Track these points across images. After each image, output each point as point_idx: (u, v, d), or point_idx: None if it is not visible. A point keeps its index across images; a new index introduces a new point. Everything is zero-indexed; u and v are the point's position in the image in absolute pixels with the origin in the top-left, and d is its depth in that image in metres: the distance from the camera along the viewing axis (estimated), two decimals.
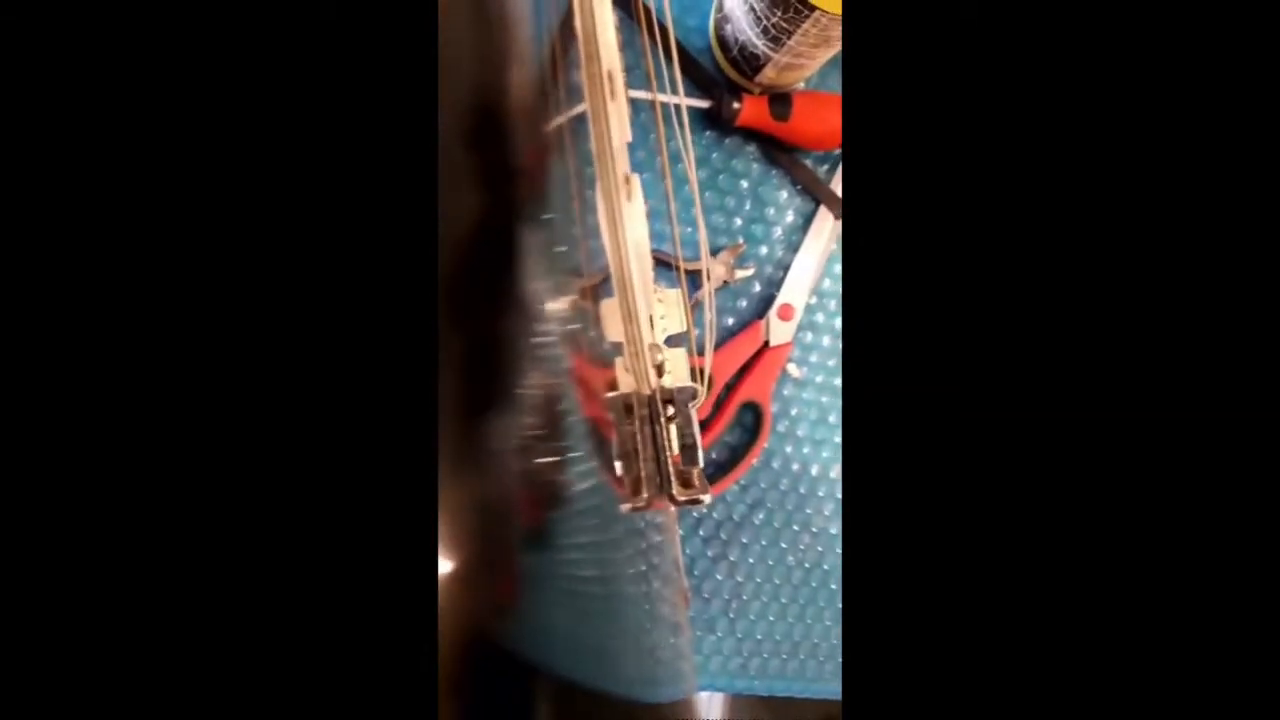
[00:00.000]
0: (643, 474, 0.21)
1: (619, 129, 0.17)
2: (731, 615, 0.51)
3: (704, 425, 0.49)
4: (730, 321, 0.51)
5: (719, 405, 0.49)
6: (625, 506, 0.20)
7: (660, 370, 0.23)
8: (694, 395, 0.22)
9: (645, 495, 0.21)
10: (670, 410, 0.22)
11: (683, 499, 0.21)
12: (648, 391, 0.21)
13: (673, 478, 0.21)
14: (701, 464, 0.22)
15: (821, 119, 0.48)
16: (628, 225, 0.21)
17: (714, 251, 0.50)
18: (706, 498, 0.22)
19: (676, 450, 0.21)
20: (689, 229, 0.50)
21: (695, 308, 0.50)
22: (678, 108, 0.48)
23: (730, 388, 0.50)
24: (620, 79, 0.18)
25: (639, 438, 0.21)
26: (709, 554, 0.50)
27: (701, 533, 0.50)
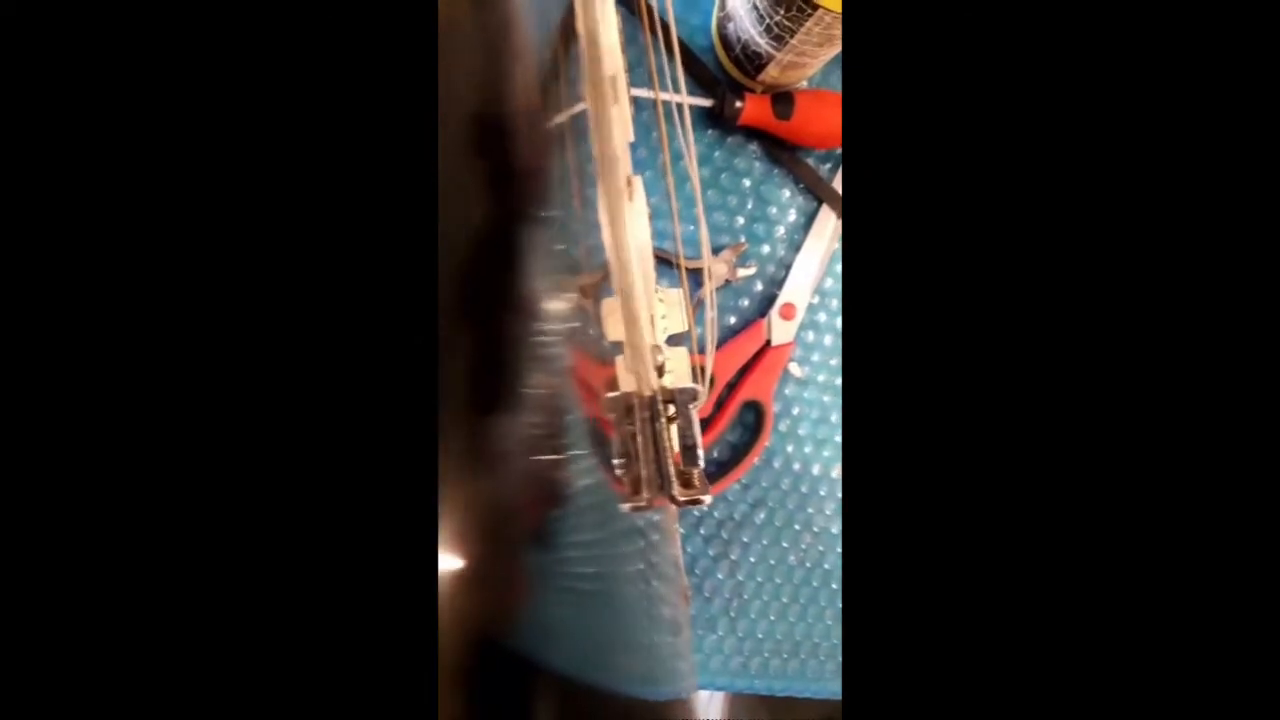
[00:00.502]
0: (643, 474, 0.21)
1: (621, 131, 0.17)
2: (732, 614, 0.51)
3: (705, 424, 0.49)
4: (732, 320, 0.51)
5: (720, 404, 0.49)
6: (626, 506, 0.20)
7: (661, 371, 0.22)
8: (695, 396, 0.22)
9: (646, 496, 0.21)
10: (671, 411, 0.21)
11: (683, 499, 0.21)
12: (648, 393, 0.21)
13: (673, 478, 0.21)
14: (702, 464, 0.22)
15: (824, 117, 0.48)
16: (630, 228, 0.21)
17: (716, 250, 0.50)
18: (707, 498, 0.22)
19: (677, 451, 0.21)
20: (691, 227, 0.50)
21: (698, 306, 0.50)
22: (680, 106, 0.48)
23: (732, 387, 0.50)
24: (624, 81, 0.17)
25: (640, 438, 0.21)
26: (710, 553, 0.50)
27: (703, 532, 0.50)
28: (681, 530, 0.50)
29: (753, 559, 0.51)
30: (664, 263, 0.49)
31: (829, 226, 0.51)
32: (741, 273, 0.50)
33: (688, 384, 0.22)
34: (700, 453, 0.22)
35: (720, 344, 0.50)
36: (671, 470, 0.21)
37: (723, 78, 0.50)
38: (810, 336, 0.51)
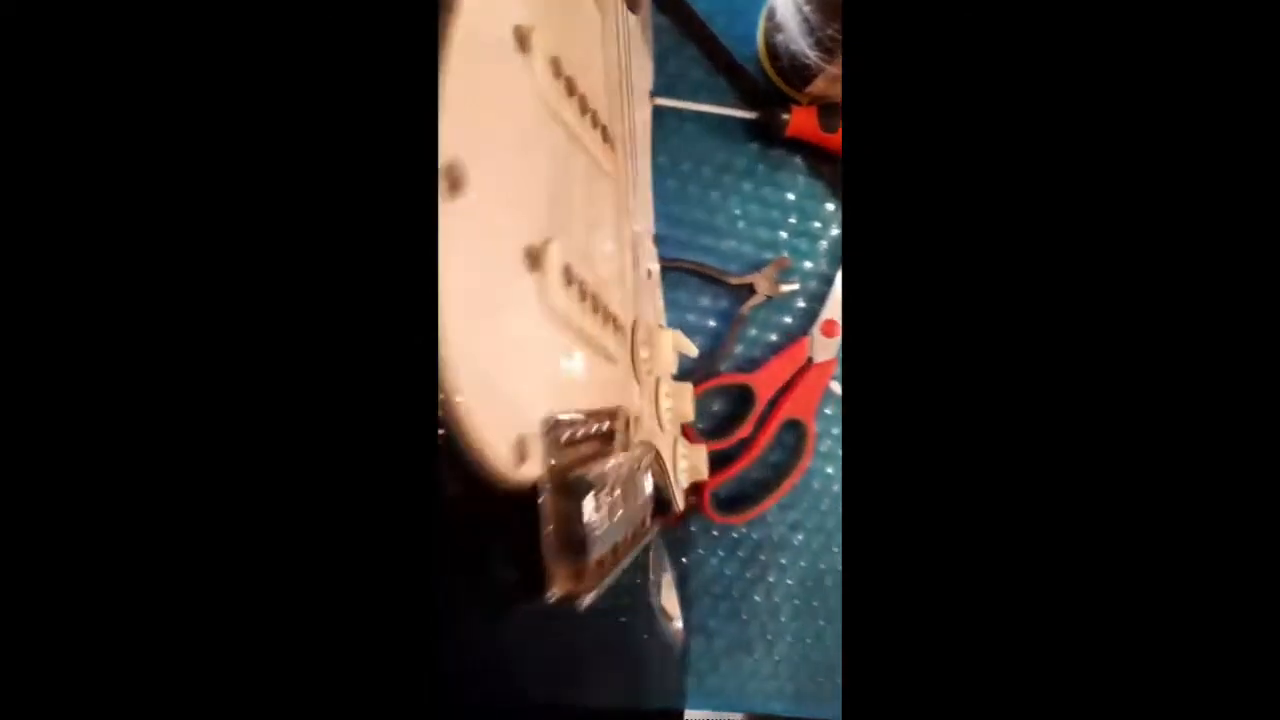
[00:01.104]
0: (525, 570, 0.19)
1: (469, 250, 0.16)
2: (769, 637, 0.50)
3: (746, 443, 0.48)
4: (774, 337, 0.50)
5: (761, 423, 0.48)
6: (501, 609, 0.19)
7: (575, 441, 0.21)
8: (590, 487, 0.20)
9: (518, 594, 0.19)
10: (560, 499, 0.20)
11: (556, 599, 0.19)
12: (529, 480, 0.19)
13: (549, 579, 0.19)
14: (594, 557, 0.20)
15: None
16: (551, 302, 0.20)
17: (758, 266, 0.49)
18: (590, 597, 0.20)
19: (561, 544, 0.20)
20: (734, 242, 0.49)
21: (739, 323, 0.49)
22: (658, 110, 0.47)
23: (773, 405, 0.49)
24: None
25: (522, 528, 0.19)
26: (747, 575, 0.50)
27: (740, 554, 0.50)
28: (720, 553, 0.50)
29: (790, 581, 0.50)
30: (701, 277, 0.49)
31: None
32: (784, 288, 0.49)
33: (585, 472, 0.20)
34: (589, 545, 0.20)
35: (761, 361, 0.49)
36: (550, 569, 0.19)
37: (768, 88, 0.49)
38: None
